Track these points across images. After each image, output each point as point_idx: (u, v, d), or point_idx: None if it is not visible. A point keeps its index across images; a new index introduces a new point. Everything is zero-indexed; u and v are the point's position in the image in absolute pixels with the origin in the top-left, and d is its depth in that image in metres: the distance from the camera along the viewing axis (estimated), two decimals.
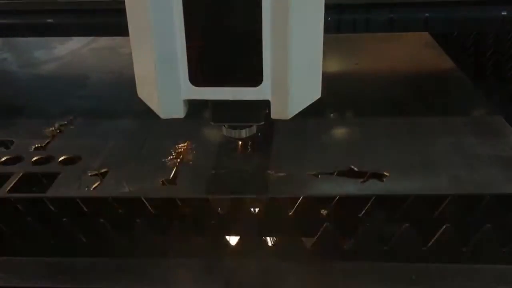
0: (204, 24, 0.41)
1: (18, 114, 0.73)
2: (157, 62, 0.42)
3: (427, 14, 0.67)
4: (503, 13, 0.67)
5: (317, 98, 0.46)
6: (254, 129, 0.50)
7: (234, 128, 0.50)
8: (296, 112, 0.45)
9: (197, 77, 0.43)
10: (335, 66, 0.93)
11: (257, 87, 0.43)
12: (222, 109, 0.46)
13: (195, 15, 0.41)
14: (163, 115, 0.45)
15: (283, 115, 0.44)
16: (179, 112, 0.44)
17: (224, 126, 0.50)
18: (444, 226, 0.48)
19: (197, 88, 0.43)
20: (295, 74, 0.42)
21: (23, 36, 0.78)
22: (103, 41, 1.08)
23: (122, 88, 0.83)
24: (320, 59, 0.45)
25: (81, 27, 0.69)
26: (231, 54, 0.42)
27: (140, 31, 0.43)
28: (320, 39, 0.44)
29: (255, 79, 0.42)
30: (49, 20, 0.69)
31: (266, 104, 0.44)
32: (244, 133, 0.50)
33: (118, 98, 0.79)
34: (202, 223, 0.51)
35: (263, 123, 0.47)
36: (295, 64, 0.42)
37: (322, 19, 0.43)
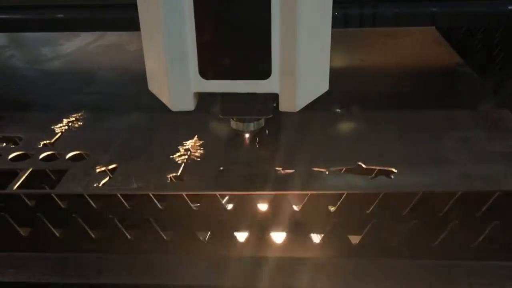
0: (213, 18, 0.41)
1: (26, 110, 0.74)
2: (168, 56, 0.43)
3: (434, 9, 0.67)
4: (510, 7, 0.66)
5: (325, 91, 0.47)
6: (262, 122, 0.51)
7: (243, 121, 0.50)
8: (304, 104, 0.45)
9: (207, 70, 0.43)
10: (341, 62, 0.93)
11: (266, 80, 0.43)
12: (231, 102, 0.46)
13: (205, 9, 0.41)
14: (173, 108, 0.45)
15: (291, 107, 0.45)
16: (189, 105, 0.45)
17: (233, 119, 0.51)
18: (453, 223, 0.48)
19: (206, 81, 0.44)
20: (303, 68, 0.43)
21: (33, 31, 0.78)
22: (110, 38, 1.08)
23: (129, 84, 0.83)
24: (328, 53, 0.45)
25: (91, 22, 0.70)
26: (240, 47, 0.42)
27: (151, 25, 0.43)
28: (328, 33, 0.44)
29: (264, 72, 0.43)
30: (59, 15, 0.69)
31: (274, 97, 0.45)
32: (252, 126, 0.51)
33: (125, 94, 0.79)
34: (210, 219, 0.51)
35: (271, 116, 0.48)
36: (303, 58, 0.43)
37: (330, 12, 0.44)
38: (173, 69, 0.43)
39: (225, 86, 0.44)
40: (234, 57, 0.43)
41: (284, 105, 0.45)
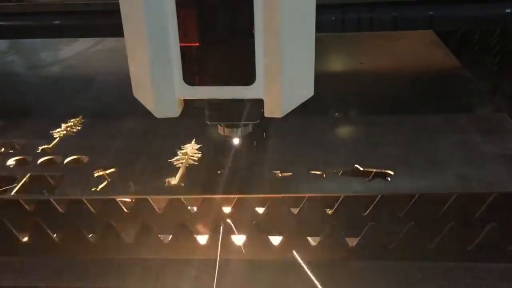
0: (197, 24, 0.42)
1: (24, 115, 0.74)
2: (151, 62, 0.43)
3: (431, 13, 0.67)
4: (507, 11, 0.67)
5: (310, 96, 0.47)
6: (250, 127, 0.51)
7: (230, 126, 0.50)
8: (289, 110, 0.45)
9: (191, 77, 0.43)
10: (340, 65, 0.93)
11: (250, 86, 0.43)
12: (217, 109, 0.46)
13: (188, 16, 0.41)
14: (158, 114, 0.45)
15: (276, 113, 0.44)
16: (173, 111, 0.45)
17: (220, 125, 0.51)
18: (450, 225, 0.48)
19: (191, 87, 0.44)
20: (287, 73, 0.43)
21: (32, 37, 0.79)
22: (109, 43, 1.08)
23: (128, 89, 0.83)
24: (312, 58, 0.45)
25: (87, 28, 0.70)
26: (224, 53, 0.42)
27: (134, 32, 0.43)
28: (312, 38, 0.45)
29: (248, 78, 0.43)
30: (57, 22, 0.70)
31: (260, 103, 0.45)
32: (240, 131, 0.50)
33: (123, 99, 0.79)
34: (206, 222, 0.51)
35: (258, 121, 0.48)
36: (287, 63, 0.43)
37: (313, 18, 0.44)
38: (157, 75, 0.43)
39: (210, 92, 0.44)
40: (218, 63, 0.43)
41: (269, 111, 0.45)
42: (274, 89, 0.43)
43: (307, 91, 0.46)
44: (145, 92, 0.45)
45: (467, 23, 0.71)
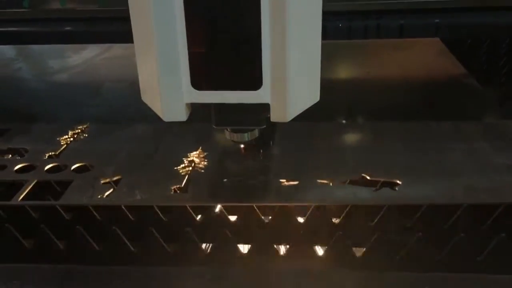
0: (205, 30, 0.42)
1: (32, 122, 0.74)
2: (160, 67, 0.43)
3: (437, 20, 0.67)
4: None
5: (316, 101, 0.47)
6: (256, 132, 0.51)
7: (237, 131, 0.51)
8: (295, 115, 0.46)
9: (199, 81, 0.44)
10: (348, 74, 0.93)
11: (257, 91, 0.44)
12: (224, 113, 0.47)
13: (197, 21, 0.42)
14: (165, 118, 0.46)
15: (283, 118, 0.45)
16: (181, 115, 0.45)
17: (227, 129, 0.51)
18: (458, 236, 0.48)
19: (198, 92, 0.44)
20: (293, 78, 0.43)
21: (42, 43, 0.80)
22: (116, 51, 1.09)
23: (135, 96, 0.83)
24: (318, 63, 0.46)
25: (98, 35, 0.71)
26: (231, 58, 0.43)
27: (143, 37, 0.44)
28: (318, 43, 0.45)
29: (255, 82, 0.43)
30: (68, 28, 0.71)
31: (267, 107, 0.45)
32: (246, 136, 0.51)
33: (130, 106, 0.80)
34: (213, 231, 0.51)
35: (264, 126, 0.48)
36: (294, 68, 0.43)
37: (320, 23, 0.45)
38: (165, 80, 0.44)
39: (217, 97, 0.45)
40: (225, 68, 0.44)
41: (275, 116, 0.45)
42: (280, 94, 0.44)
43: (313, 96, 0.47)
44: (153, 97, 0.46)
45: (474, 31, 0.71)
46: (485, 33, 0.75)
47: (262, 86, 0.43)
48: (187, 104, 0.45)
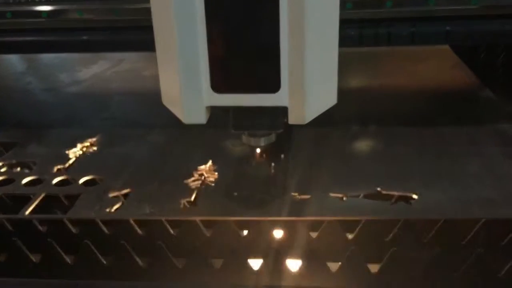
0: (225, 34, 0.43)
1: (41, 135, 0.74)
2: (181, 71, 0.44)
3: (448, 28, 0.66)
4: None
5: (333, 104, 0.48)
6: (273, 137, 0.52)
7: (254, 135, 0.51)
8: (313, 117, 0.46)
9: (219, 84, 0.45)
10: (361, 85, 0.92)
11: (275, 94, 0.45)
12: (242, 117, 0.48)
13: (217, 26, 0.43)
14: (186, 121, 0.47)
15: (300, 120, 0.46)
16: (201, 118, 0.46)
17: (244, 134, 0.52)
18: (476, 251, 0.46)
19: (218, 95, 0.45)
20: (311, 81, 0.44)
21: (58, 52, 0.81)
22: (126, 65, 1.09)
23: (144, 110, 0.83)
24: (335, 67, 0.46)
25: (113, 44, 0.72)
26: (250, 62, 0.44)
27: (165, 42, 0.45)
28: (335, 47, 0.46)
29: (273, 85, 0.44)
30: (84, 37, 0.72)
31: (284, 111, 0.46)
32: (262, 141, 0.52)
33: (140, 120, 0.79)
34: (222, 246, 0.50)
35: (282, 130, 0.49)
36: (311, 71, 0.44)
37: (337, 27, 0.45)
38: (186, 83, 0.45)
39: (236, 100, 0.46)
40: (244, 71, 0.45)
41: (293, 118, 0.46)
42: (298, 97, 0.44)
43: (330, 99, 0.47)
44: (174, 100, 0.47)
45: (484, 38, 0.71)
46: (495, 40, 0.75)
47: (281, 89, 0.44)
48: (206, 107, 0.46)
